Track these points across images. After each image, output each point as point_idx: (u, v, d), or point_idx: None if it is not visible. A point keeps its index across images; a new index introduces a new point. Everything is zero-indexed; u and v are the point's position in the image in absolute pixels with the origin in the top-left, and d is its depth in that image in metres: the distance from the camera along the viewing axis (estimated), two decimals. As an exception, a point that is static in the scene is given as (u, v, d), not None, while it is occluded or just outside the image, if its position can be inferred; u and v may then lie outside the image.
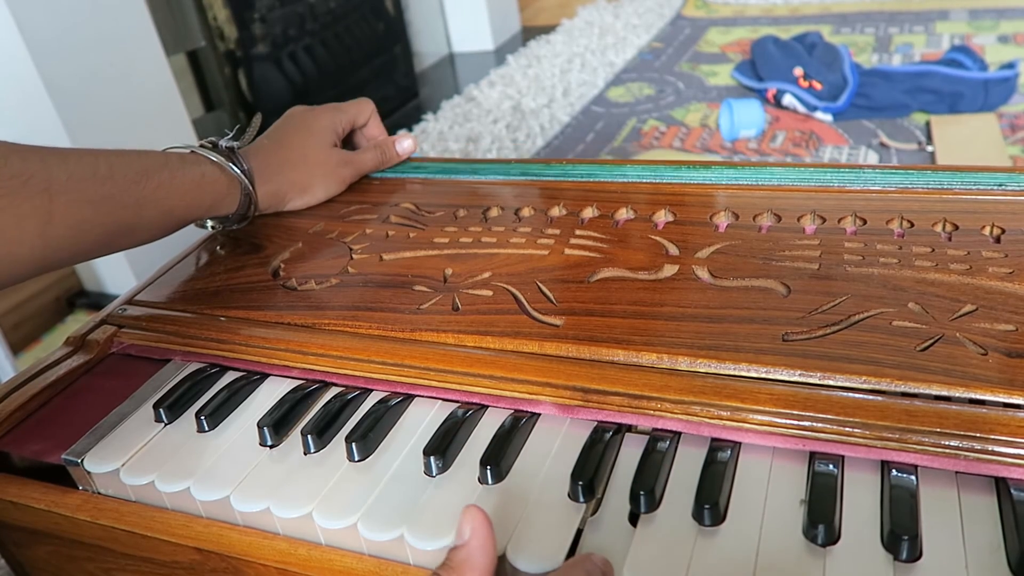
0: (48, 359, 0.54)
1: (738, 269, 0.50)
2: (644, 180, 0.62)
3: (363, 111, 0.71)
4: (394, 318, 0.50)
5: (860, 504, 0.36)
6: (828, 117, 1.66)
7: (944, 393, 0.39)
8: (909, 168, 0.58)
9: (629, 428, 0.43)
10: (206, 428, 0.47)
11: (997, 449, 0.36)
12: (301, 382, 0.50)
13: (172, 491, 0.44)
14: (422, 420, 0.45)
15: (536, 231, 0.57)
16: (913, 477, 0.37)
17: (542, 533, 0.37)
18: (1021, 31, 2.02)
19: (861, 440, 0.38)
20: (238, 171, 0.59)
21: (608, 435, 0.42)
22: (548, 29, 2.59)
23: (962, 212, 0.52)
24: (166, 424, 0.48)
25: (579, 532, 0.37)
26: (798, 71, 1.71)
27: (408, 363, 0.47)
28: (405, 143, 0.72)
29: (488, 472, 0.40)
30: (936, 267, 0.47)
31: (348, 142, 0.73)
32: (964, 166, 0.57)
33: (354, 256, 0.58)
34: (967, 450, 0.36)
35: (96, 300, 1.37)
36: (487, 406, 0.45)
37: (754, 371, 0.42)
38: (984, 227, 0.50)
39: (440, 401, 0.47)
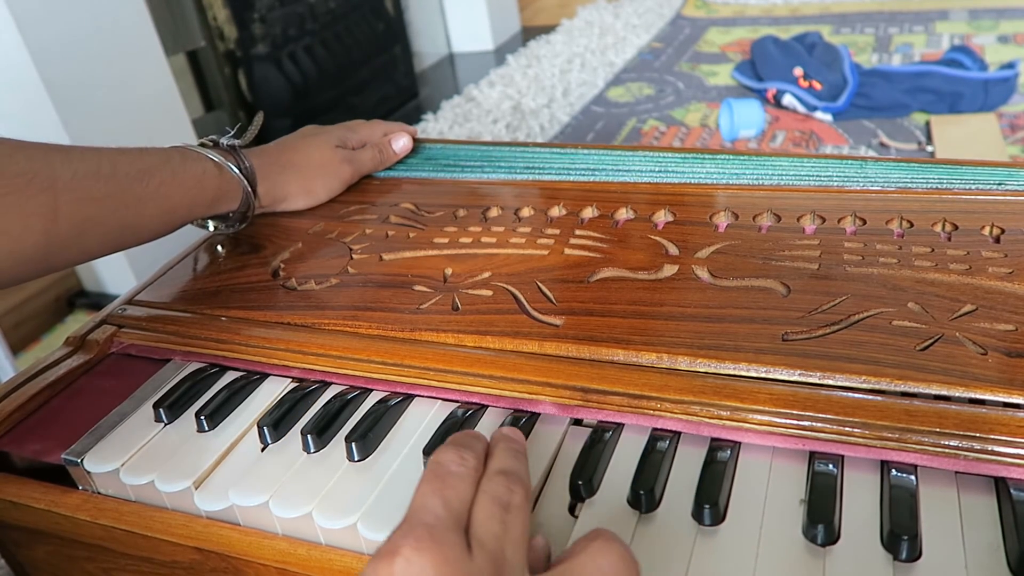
0: (48, 359, 0.54)
1: (738, 269, 0.50)
2: (645, 180, 0.62)
3: (373, 132, 0.72)
4: (394, 318, 0.50)
5: (860, 504, 0.36)
6: (828, 117, 1.66)
7: (944, 393, 0.39)
8: (910, 161, 0.58)
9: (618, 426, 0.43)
10: (206, 428, 0.47)
11: (997, 449, 0.36)
12: (301, 382, 0.50)
13: (172, 491, 0.44)
14: (422, 420, 0.45)
15: (536, 231, 0.57)
16: (913, 477, 0.37)
17: (541, 533, 0.37)
18: (1021, 31, 2.02)
19: (861, 440, 0.38)
20: (237, 170, 0.59)
21: (608, 435, 0.42)
22: (548, 29, 2.59)
23: (962, 212, 0.52)
24: (166, 424, 0.48)
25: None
26: (798, 71, 1.71)
27: (408, 363, 0.47)
28: (400, 141, 0.72)
29: (488, 472, 0.40)
30: (936, 267, 0.47)
31: None
32: (964, 160, 0.57)
33: (354, 256, 0.58)
34: (967, 450, 0.36)
35: (96, 300, 1.37)
36: (487, 406, 0.45)
37: (754, 371, 0.42)
38: (984, 227, 0.50)
39: (440, 401, 0.47)
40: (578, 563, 0.30)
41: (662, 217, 0.57)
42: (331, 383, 0.49)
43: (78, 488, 0.47)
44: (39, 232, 0.48)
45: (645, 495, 0.37)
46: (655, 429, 0.42)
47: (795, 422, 0.39)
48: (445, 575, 0.27)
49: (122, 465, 0.45)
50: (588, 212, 0.59)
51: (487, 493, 0.32)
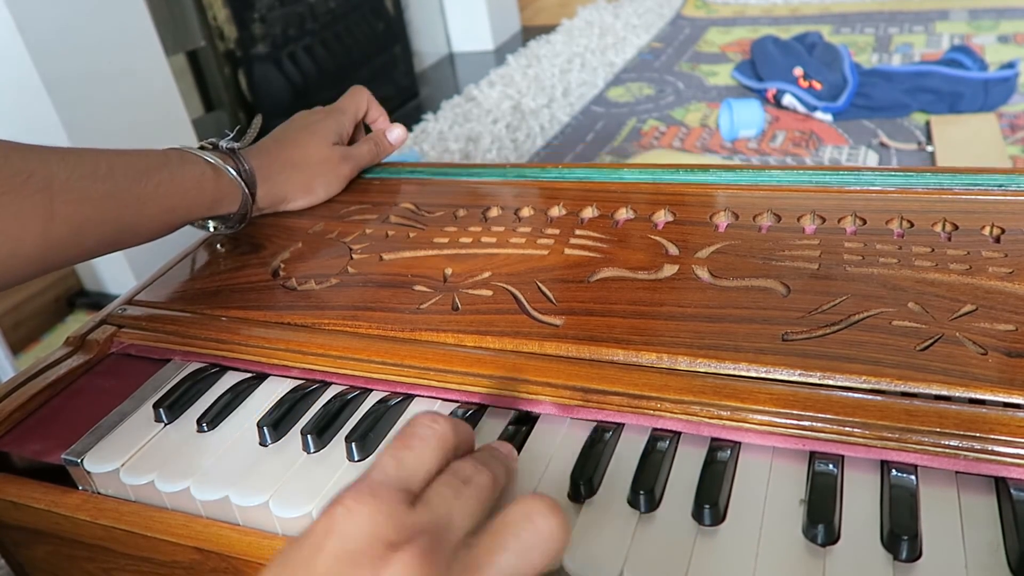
0: (48, 359, 0.54)
1: (738, 269, 0.50)
2: (644, 180, 0.62)
3: (360, 103, 0.72)
4: (394, 318, 0.50)
5: (860, 504, 0.36)
6: (828, 117, 1.66)
7: (944, 393, 0.39)
8: (908, 170, 0.58)
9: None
10: (206, 429, 0.47)
11: (997, 449, 0.36)
12: (301, 382, 0.50)
13: (172, 491, 0.44)
14: (422, 420, 0.45)
15: (536, 231, 0.57)
16: (913, 477, 0.37)
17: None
18: (1021, 31, 2.02)
19: (861, 440, 0.38)
20: (234, 172, 0.59)
21: (608, 435, 0.42)
22: (548, 29, 2.59)
23: (962, 212, 0.52)
24: (166, 424, 0.48)
25: (579, 532, 0.37)
26: (798, 71, 1.71)
27: (408, 363, 0.47)
28: (395, 132, 0.73)
29: (488, 472, 0.40)
30: (936, 267, 0.47)
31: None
32: (964, 168, 0.57)
33: (354, 256, 0.58)
34: (967, 450, 0.36)
35: (96, 300, 1.37)
36: (487, 406, 0.45)
37: (754, 371, 0.42)
38: (984, 227, 0.50)
39: (440, 401, 0.47)
40: (503, 515, 0.30)
41: (662, 217, 0.57)
42: (331, 383, 0.49)
43: (78, 488, 0.47)
44: (36, 233, 0.48)
45: (645, 495, 0.37)
46: (655, 429, 0.42)
47: (795, 422, 0.39)
48: (378, 524, 0.28)
49: (122, 465, 0.45)
50: (588, 212, 0.59)
51: (452, 470, 0.33)
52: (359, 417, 0.45)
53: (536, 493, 0.31)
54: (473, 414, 0.45)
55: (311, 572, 0.28)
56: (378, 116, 0.73)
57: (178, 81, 1.39)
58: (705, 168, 0.63)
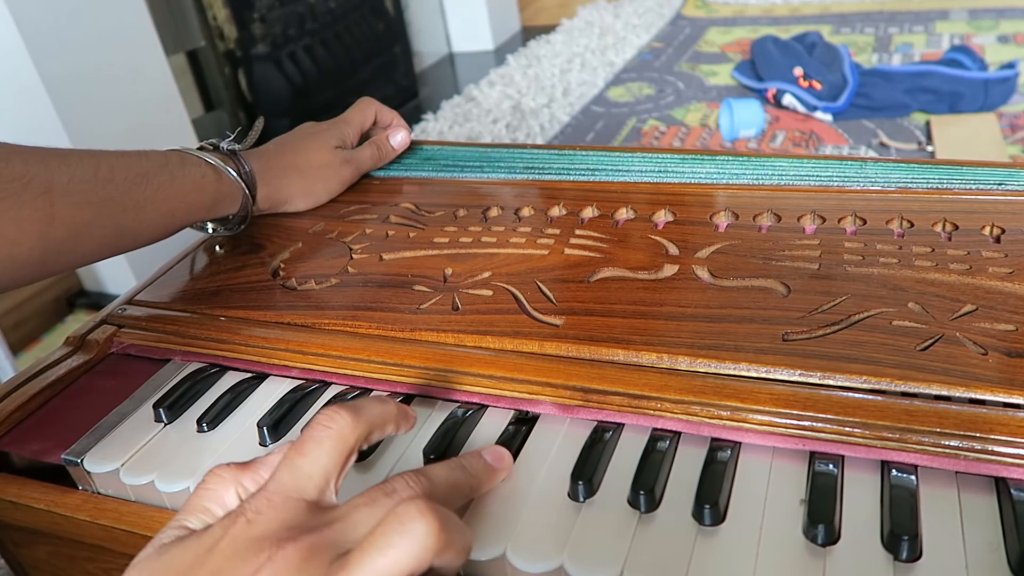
0: (48, 359, 0.54)
1: (738, 269, 0.50)
2: (645, 180, 0.62)
3: (367, 115, 0.72)
4: (394, 318, 0.50)
5: (860, 504, 0.36)
6: (828, 117, 1.66)
7: (944, 393, 0.39)
8: (910, 162, 0.58)
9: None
10: (206, 429, 0.47)
11: (997, 449, 0.36)
12: (301, 382, 0.50)
13: (172, 491, 0.44)
14: (421, 420, 0.45)
15: (536, 231, 0.57)
16: (913, 477, 0.37)
17: (541, 533, 0.37)
18: (1021, 31, 2.02)
19: (861, 440, 0.38)
20: (234, 174, 0.59)
21: (608, 435, 0.42)
22: (548, 29, 2.59)
23: (962, 212, 0.52)
24: (166, 424, 0.48)
25: (579, 532, 0.37)
26: (798, 71, 1.71)
27: (408, 363, 0.47)
28: (398, 136, 0.73)
29: (488, 472, 0.40)
30: (936, 267, 0.47)
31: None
32: (964, 161, 0.57)
33: (354, 256, 0.58)
34: (967, 450, 0.36)
35: (96, 300, 1.37)
36: (487, 406, 0.45)
37: (754, 371, 0.42)
38: (984, 227, 0.50)
39: (440, 401, 0.47)
40: (383, 519, 0.30)
41: (662, 217, 0.57)
42: (331, 383, 0.49)
43: (78, 488, 0.47)
44: (35, 236, 0.47)
45: (645, 495, 0.37)
46: (655, 429, 0.42)
47: (795, 422, 0.39)
48: (270, 530, 0.30)
49: (122, 465, 0.45)
50: (588, 212, 0.59)
51: (383, 482, 0.33)
52: (359, 417, 0.45)
53: (414, 496, 0.32)
54: (473, 414, 0.45)
55: (198, 567, 0.30)
56: (391, 119, 0.73)
57: (178, 81, 1.39)
58: (713, 155, 0.63)
